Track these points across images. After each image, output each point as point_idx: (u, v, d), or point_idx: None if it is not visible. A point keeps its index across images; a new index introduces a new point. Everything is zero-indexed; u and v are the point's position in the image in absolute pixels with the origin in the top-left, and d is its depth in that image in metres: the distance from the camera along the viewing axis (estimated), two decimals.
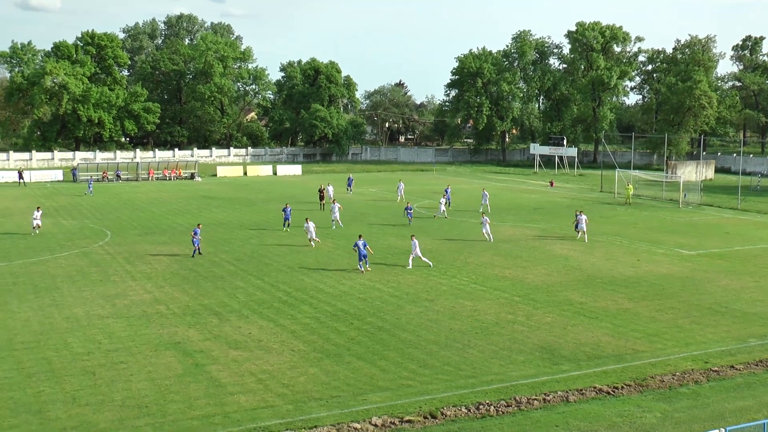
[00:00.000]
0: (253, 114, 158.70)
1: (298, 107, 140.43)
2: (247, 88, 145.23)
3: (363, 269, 43.05)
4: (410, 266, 44.25)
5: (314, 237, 50.90)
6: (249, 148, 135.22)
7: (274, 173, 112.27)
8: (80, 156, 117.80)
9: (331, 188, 74.13)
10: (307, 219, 52.17)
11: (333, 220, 59.21)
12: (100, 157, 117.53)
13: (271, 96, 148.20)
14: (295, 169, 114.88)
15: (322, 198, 70.84)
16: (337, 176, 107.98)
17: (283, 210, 57.96)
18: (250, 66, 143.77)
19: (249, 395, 24.74)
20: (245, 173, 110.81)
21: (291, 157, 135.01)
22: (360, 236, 45.00)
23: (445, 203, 67.56)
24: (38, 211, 56.44)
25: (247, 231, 57.22)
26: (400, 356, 28.74)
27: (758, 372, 27.70)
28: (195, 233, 48.24)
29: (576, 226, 55.33)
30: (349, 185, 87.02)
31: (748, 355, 29.39)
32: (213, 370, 26.98)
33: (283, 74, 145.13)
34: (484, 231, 53.99)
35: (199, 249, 48.00)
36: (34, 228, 55.25)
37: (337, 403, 24.29)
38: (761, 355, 29.37)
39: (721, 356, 29.30)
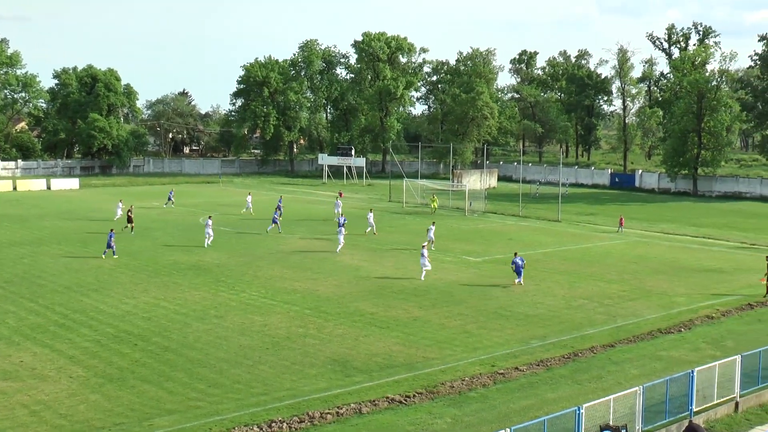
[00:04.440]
0: (23, 124, 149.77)
1: (75, 117, 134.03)
2: (15, 96, 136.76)
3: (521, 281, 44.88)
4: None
5: (211, 236, 56.44)
6: (19, 160, 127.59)
7: (48, 187, 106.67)
8: None
9: (120, 206, 70.21)
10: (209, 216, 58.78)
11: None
12: None
13: (44, 105, 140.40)
14: (72, 183, 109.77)
15: (130, 220, 63.06)
16: (120, 190, 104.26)
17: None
18: (18, 72, 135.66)
19: (20, 430, 23.27)
20: (15, 188, 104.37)
21: (67, 170, 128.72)
22: (516, 253, 46.71)
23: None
24: None
25: (18, 249, 53.95)
26: (188, 377, 28.10)
27: (539, 372, 29.44)
28: None
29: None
30: (170, 198, 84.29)
31: (530, 356, 31.17)
32: None
33: (56, 81, 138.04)
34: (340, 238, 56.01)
35: None
36: None
37: (121, 430, 23.39)
38: (542, 356, 31.26)
39: (506, 359, 30.88)
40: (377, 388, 27.29)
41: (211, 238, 56.56)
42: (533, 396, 26.95)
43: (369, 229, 64.33)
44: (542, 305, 40.09)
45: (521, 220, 76.22)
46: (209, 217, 59.06)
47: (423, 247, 47.41)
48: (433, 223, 60.18)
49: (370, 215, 65.88)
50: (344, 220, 61.02)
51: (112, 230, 53.41)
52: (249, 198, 79.46)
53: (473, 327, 35.66)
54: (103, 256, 51.41)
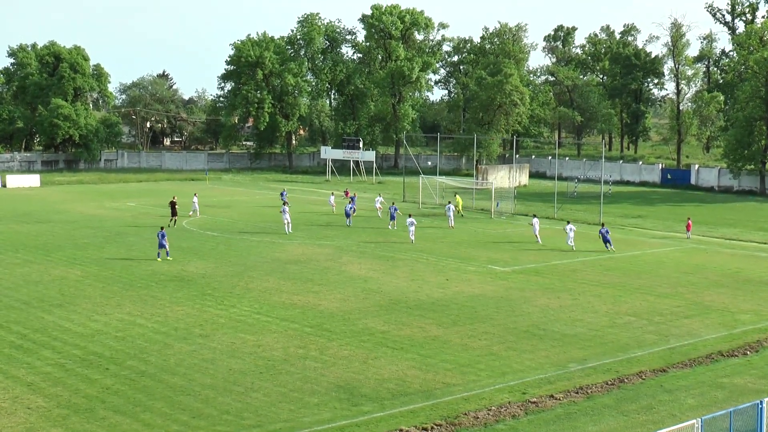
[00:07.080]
0: None
1: (34, 102, 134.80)
2: None
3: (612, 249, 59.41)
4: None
5: (290, 223, 66.51)
6: None
7: (4, 185, 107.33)
8: None
9: (196, 199, 78.82)
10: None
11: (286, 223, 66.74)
12: None
13: None
14: (32, 180, 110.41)
15: (174, 213, 71.10)
16: (89, 188, 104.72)
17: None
18: None
19: None
20: None
21: (26, 165, 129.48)
22: (603, 224, 63.25)
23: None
24: None
25: None
26: (168, 406, 28.14)
27: (578, 400, 29.34)
28: None
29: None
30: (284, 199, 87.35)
31: (567, 383, 31.08)
32: None
33: (12, 61, 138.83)
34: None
35: None
36: None
37: None
38: (581, 382, 31.16)
39: (540, 385, 30.80)
40: (389, 419, 27.26)
41: (290, 225, 66.61)
42: (571, 429, 26.87)
43: (453, 217, 73.19)
44: (582, 323, 40.00)
45: (556, 223, 76.04)
46: (284, 204, 70.02)
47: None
48: (535, 215, 67.73)
49: (450, 206, 73.94)
50: (395, 210, 71.64)
51: (162, 228, 56.51)
52: (332, 198, 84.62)
53: (501, 348, 35.61)
54: (159, 259, 54.03)
